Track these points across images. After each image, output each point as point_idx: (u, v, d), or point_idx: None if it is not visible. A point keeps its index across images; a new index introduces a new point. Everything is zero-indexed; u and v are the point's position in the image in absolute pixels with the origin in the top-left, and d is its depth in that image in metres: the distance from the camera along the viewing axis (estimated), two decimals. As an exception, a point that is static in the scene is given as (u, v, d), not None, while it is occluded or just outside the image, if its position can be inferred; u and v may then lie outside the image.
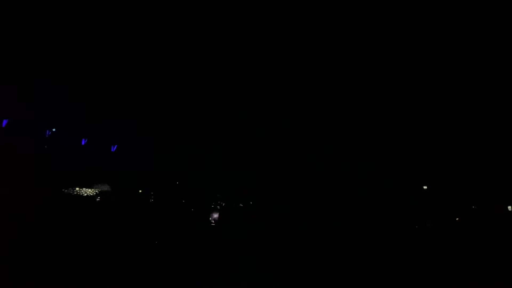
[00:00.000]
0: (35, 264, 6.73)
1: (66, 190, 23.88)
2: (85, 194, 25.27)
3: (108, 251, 8.30)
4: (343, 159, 24.46)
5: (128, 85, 22.86)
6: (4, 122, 22.45)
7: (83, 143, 25.70)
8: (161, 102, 24.14)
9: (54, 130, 24.14)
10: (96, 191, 26.99)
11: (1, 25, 16.78)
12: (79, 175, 25.25)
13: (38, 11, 16.99)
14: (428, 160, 23.38)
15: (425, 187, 25.17)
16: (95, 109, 23.51)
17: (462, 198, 21.46)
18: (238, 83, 23.12)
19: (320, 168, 25.52)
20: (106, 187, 26.69)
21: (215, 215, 17.98)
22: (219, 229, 14.72)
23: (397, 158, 23.94)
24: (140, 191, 30.18)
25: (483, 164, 21.35)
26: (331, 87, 22.39)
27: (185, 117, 25.04)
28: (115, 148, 27.04)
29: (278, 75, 22.37)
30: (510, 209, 20.04)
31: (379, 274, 7.54)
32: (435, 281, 7.26)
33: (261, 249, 9.63)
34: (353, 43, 19.30)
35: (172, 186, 30.59)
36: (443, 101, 21.00)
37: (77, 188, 27.18)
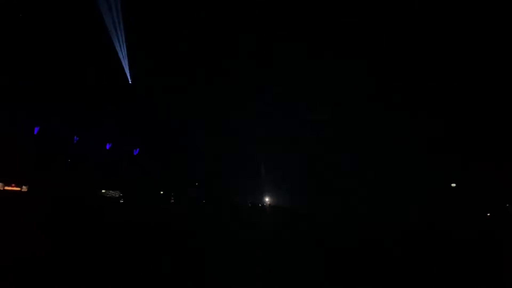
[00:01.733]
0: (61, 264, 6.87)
1: (91, 193, 25.31)
2: (109, 196, 26.61)
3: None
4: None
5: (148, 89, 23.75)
6: (36, 129, 24.32)
7: (107, 147, 27.21)
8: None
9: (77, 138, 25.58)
10: (119, 193, 28.33)
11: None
12: (103, 178, 26.68)
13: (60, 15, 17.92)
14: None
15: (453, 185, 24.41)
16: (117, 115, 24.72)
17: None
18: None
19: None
20: (127, 189, 27.97)
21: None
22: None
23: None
24: (161, 192, 31.45)
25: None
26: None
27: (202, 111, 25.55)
28: (137, 151, 28.40)
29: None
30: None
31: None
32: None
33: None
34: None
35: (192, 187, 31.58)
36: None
37: (103, 191, 28.76)
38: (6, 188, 23.22)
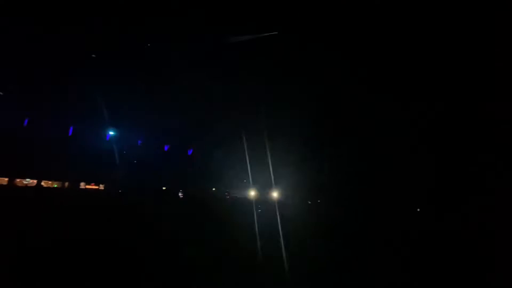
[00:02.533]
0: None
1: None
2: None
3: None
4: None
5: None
6: (108, 136, 28.29)
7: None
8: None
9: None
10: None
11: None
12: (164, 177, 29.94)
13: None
14: None
15: None
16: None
17: None
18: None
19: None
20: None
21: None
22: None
23: None
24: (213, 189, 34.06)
25: None
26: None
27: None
28: (191, 152, 31.26)
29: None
30: None
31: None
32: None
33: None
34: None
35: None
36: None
37: (163, 188, 32.17)
38: (87, 186, 27.93)
